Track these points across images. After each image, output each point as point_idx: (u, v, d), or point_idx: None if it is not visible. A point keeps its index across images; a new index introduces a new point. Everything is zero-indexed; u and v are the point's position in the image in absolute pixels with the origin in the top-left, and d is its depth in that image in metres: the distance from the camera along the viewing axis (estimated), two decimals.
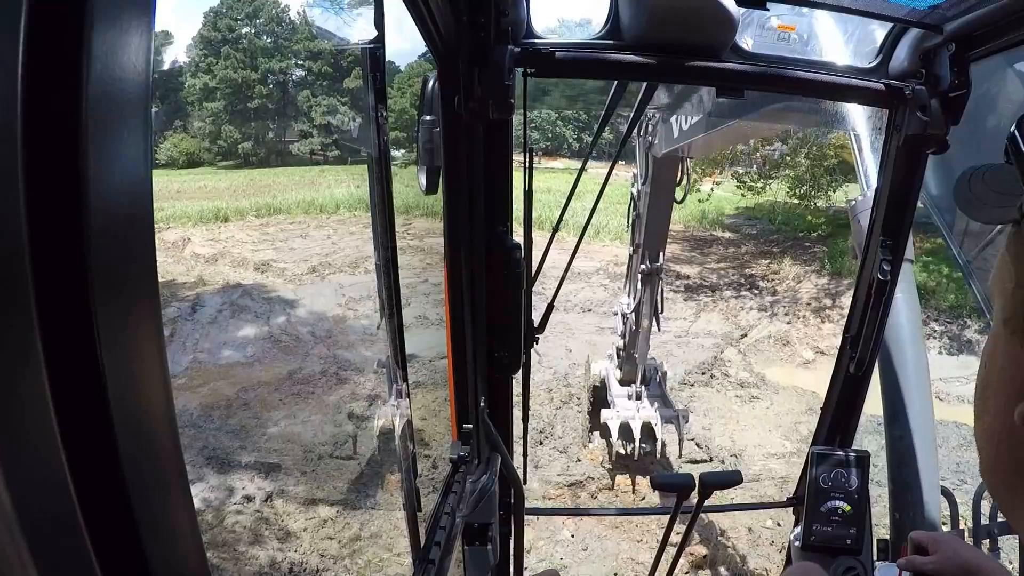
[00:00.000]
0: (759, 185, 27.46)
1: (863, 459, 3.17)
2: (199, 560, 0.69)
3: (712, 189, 27.77)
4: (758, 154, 27.22)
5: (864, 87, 2.75)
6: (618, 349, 10.94)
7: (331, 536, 9.16)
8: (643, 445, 10.27)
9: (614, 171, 3.35)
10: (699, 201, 27.64)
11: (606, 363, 11.51)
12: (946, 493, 4.42)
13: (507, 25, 2.33)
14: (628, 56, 2.56)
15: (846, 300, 18.18)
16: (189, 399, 12.72)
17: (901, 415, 4.21)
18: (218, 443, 11.46)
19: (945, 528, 4.36)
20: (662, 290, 9.27)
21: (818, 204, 26.28)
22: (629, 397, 10.70)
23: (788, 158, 25.97)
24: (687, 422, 10.57)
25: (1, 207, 0.44)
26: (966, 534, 4.46)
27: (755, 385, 14.86)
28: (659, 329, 9.67)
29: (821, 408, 3.53)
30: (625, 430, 10.35)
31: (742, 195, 28.41)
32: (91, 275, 0.50)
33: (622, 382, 10.97)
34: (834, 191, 26.01)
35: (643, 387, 10.69)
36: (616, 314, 10.67)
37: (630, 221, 9.33)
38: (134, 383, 0.57)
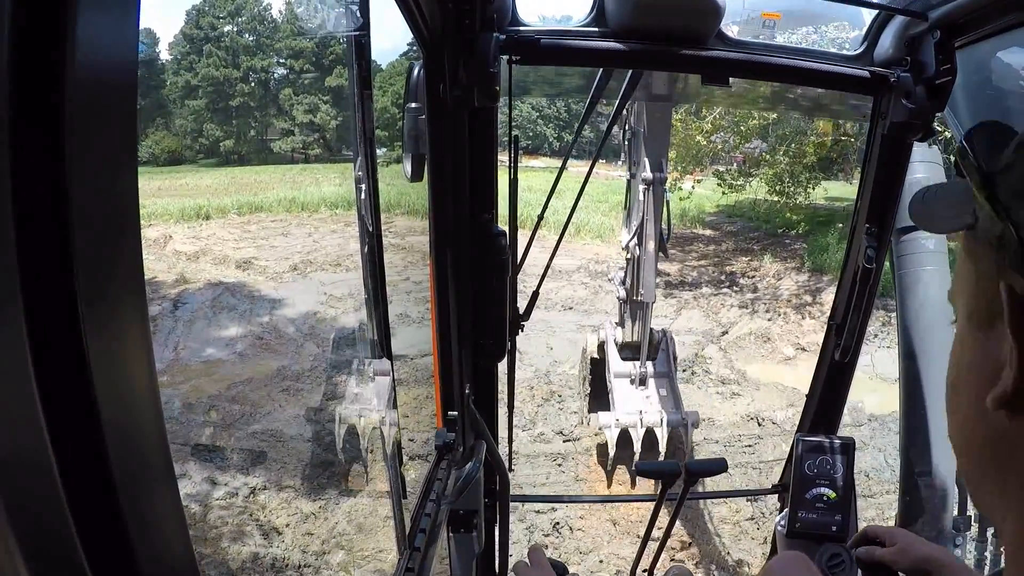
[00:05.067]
0: (739, 183, 27.53)
1: (848, 446, 3.17)
2: (187, 556, 0.70)
3: (693, 187, 27.85)
4: (738, 152, 27.29)
5: (849, 74, 2.77)
6: (620, 302, 10.56)
7: (315, 526, 9.13)
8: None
9: (594, 170, 3.35)
10: (680, 199, 27.71)
11: (607, 329, 11.06)
12: (959, 482, 4.32)
13: (492, 12, 2.33)
14: (613, 44, 2.56)
15: (826, 296, 18.30)
16: (171, 396, 12.66)
17: (920, 400, 4.10)
18: (200, 438, 11.41)
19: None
20: (668, 207, 8.97)
21: (798, 201, 26.40)
22: (632, 382, 10.34)
23: (768, 156, 26.08)
24: (696, 427, 10.24)
25: None
26: (972, 520, 4.40)
27: (736, 382, 14.86)
28: (666, 256, 9.26)
29: (806, 395, 3.55)
30: (624, 439, 9.96)
31: (723, 193, 28.48)
32: (77, 274, 0.51)
33: (625, 346, 10.61)
34: (813, 188, 26.15)
35: (649, 364, 10.29)
36: (611, 280, 10.28)
37: (625, 140, 9.08)
38: (121, 381, 0.57)
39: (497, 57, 2.33)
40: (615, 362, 10.77)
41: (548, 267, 3.28)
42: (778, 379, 14.85)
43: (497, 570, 3.26)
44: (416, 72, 2.35)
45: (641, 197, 8.95)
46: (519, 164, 2.63)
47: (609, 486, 10.30)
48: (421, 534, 2.27)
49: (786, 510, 3.21)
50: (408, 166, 2.36)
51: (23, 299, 0.47)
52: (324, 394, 13.29)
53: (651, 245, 9.11)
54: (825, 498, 3.11)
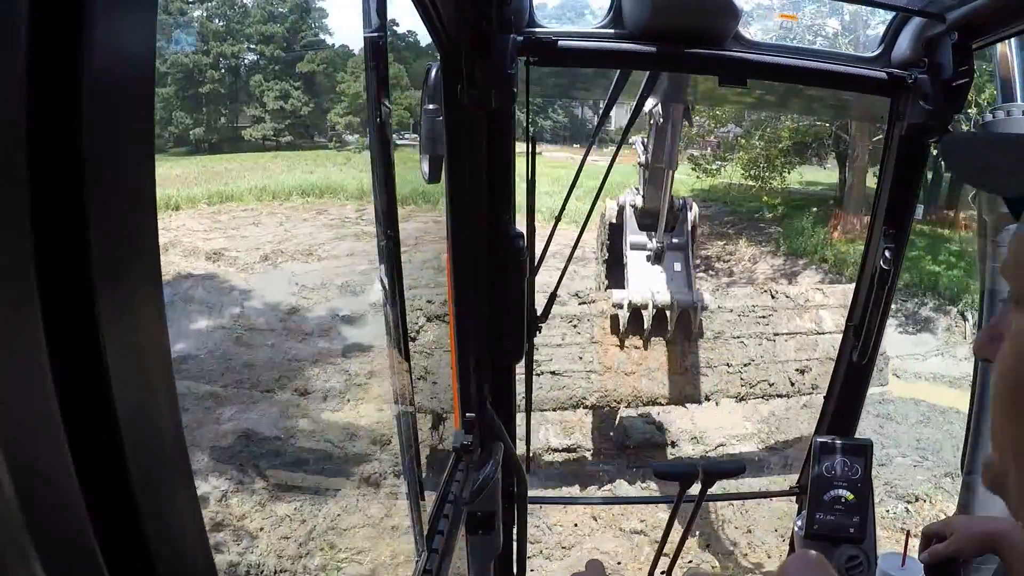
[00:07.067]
0: (714, 167, 27.70)
1: (866, 448, 3.19)
2: (205, 553, 0.70)
3: None
4: (713, 136, 27.44)
5: (866, 76, 2.79)
6: (640, 168, 10.50)
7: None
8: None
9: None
10: None
11: (627, 195, 11.07)
12: None
13: (510, 14, 2.34)
14: (630, 45, 2.58)
15: (802, 280, 18.45)
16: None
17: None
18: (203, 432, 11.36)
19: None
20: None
21: (773, 185, 26.62)
22: (648, 257, 10.43)
23: (743, 140, 26.25)
24: (704, 310, 10.26)
25: (6, 199, 0.44)
26: None
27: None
28: (691, 124, 9.11)
29: (824, 397, 3.58)
30: (636, 317, 10.06)
31: (697, 177, 28.62)
32: (94, 267, 0.51)
33: (645, 213, 10.61)
34: (788, 173, 26.37)
35: (667, 239, 10.35)
36: (631, 144, 10.07)
37: None
38: (138, 377, 0.57)
39: (514, 58, 2.33)
40: (632, 232, 10.83)
41: (566, 266, 3.29)
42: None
43: (515, 572, 3.27)
44: (433, 73, 2.34)
45: None
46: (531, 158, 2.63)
47: (622, 348, 10.28)
48: (439, 536, 2.28)
49: (804, 512, 3.24)
50: (425, 167, 2.36)
51: (40, 298, 0.47)
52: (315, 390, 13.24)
53: (678, 111, 8.64)
54: (843, 500, 3.12)
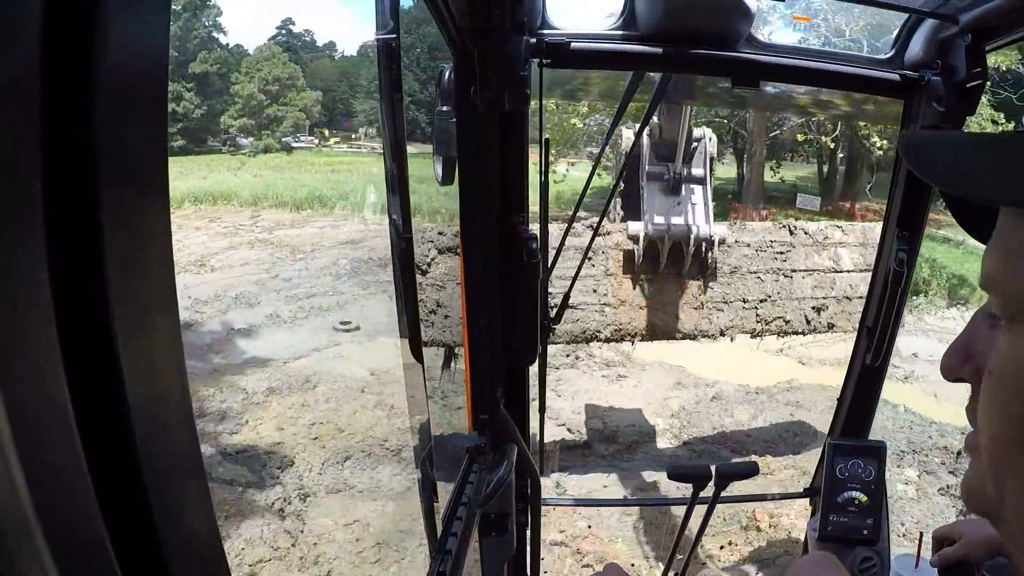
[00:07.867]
0: (613, 164, 27.96)
1: (880, 449, 3.23)
2: (217, 552, 0.70)
3: (567, 170, 28.06)
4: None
5: (879, 78, 2.84)
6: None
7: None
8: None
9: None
10: (555, 183, 27.86)
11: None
12: None
13: (523, 15, 2.33)
14: (644, 47, 2.60)
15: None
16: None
17: None
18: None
19: None
20: None
21: None
22: (664, 189, 10.08)
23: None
24: (721, 244, 9.92)
25: (19, 198, 0.44)
26: None
27: (620, 364, 14.96)
28: None
29: (837, 399, 3.62)
30: (652, 249, 9.80)
31: (598, 175, 28.69)
32: (108, 265, 0.51)
33: (661, 143, 10.16)
34: None
35: (684, 170, 10.01)
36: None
37: None
38: (150, 374, 0.57)
39: (527, 60, 2.33)
40: (649, 161, 10.35)
41: (579, 270, 3.28)
42: (662, 359, 14.72)
43: (528, 575, 3.26)
44: (446, 75, 2.33)
45: None
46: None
47: (636, 282, 9.97)
48: (452, 537, 2.26)
49: (818, 514, 3.28)
50: (439, 169, 2.34)
51: (53, 297, 0.47)
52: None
53: None
54: (856, 501, 3.16)
